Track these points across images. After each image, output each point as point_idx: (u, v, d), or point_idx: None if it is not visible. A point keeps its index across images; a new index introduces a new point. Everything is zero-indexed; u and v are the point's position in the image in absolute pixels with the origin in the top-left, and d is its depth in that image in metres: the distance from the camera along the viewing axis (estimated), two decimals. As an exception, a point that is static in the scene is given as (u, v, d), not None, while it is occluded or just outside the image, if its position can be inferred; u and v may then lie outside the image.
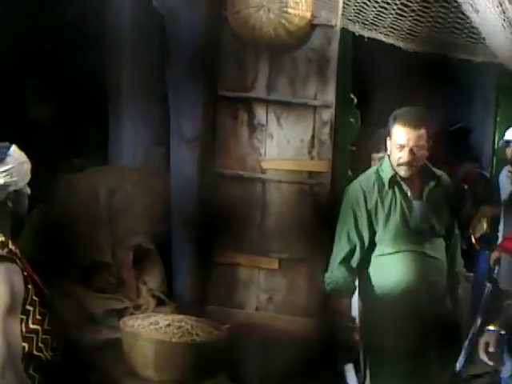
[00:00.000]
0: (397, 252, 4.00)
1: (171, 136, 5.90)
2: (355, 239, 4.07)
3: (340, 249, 4.12)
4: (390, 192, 4.02)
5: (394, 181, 4.02)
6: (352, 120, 5.56)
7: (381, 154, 4.73)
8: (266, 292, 5.64)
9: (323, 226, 5.32)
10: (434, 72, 6.64)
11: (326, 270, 4.25)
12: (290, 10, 5.39)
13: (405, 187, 4.02)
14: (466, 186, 5.87)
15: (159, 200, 5.87)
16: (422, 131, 3.87)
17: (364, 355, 4.11)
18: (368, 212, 4.03)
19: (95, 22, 6.77)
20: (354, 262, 4.09)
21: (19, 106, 7.56)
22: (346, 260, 4.09)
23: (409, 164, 3.91)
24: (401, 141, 3.89)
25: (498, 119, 6.52)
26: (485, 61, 5.18)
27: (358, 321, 4.20)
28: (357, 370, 4.17)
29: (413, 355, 3.93)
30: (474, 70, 7.03)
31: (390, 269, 4.01)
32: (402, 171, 3.96)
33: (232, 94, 5.69)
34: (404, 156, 3.90)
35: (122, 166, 6.38)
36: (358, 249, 4.08)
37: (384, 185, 4.03)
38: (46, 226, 5.72)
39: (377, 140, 5.71)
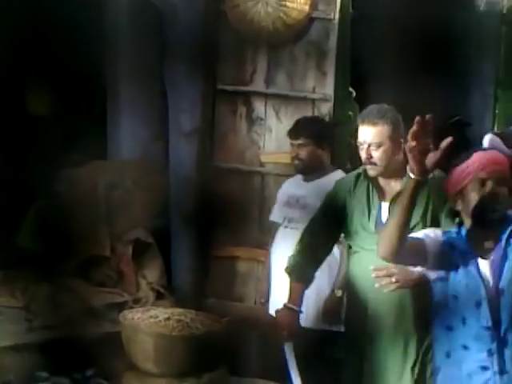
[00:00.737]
0: (358, 251, 3.95)
1: (170, 130, 5.91)
2: (320, 229, 4.06)
3: (304, 234, 4.11)
4: (358, 191, 3.93)
5: (362, 179, 3.92)
6: (351, 113, 5.56)
7: None
8: (265, 285, 5.65)
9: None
10: (432, 65, 6.66)
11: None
12: (288, 4, 5.41)
13: (370, 187, 3.90)
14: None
15: (158, 194, 5.88)
16: (380, 128, 3.75)
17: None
18: (337, 207, 3.98)
19: (94, 16, 6.77)
20: (318, 252, 4.08)
21: (18, 101, 7.56)
22: (308, 247, 4.07)
23: (368, 162, 3.79)
24: (359, 138, 3.82)
25: (497, 112, 6.51)
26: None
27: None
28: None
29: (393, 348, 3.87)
30: (473, 62, 7.07)
31: (354, 266, 3.99)
32: (369, 170, 3.83)
33: (231, 88, 5.70)
34: (362, 154, 3.82)
35: (121, 161, 6.38)
36: (322, 239, 4.07)
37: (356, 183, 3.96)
38: (46, 221, 5.73)
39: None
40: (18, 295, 5.36)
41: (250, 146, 5.68)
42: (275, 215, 5.09)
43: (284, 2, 5.40)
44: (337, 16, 5.48)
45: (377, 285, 3.47)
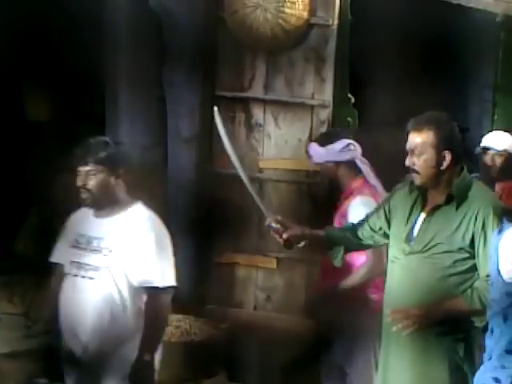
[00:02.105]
0: (393, 260, 3.85)
1: (169, 136, 5.91)
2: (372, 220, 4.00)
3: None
4: (408, 197, 3.83)
5: (412, 188, 3.82)
6: (349, 119, 5.57)
7: None
8: (264, 291, 5.65)
9: (321, 225, 5.33)
10: (431, 71, 6.66)
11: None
12: (287, 10, 5.41)
13: (415, 196, 3.81)
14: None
15: (157, 200, 5.87)
16: (424, 135, 3.64)
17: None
18: (385, 209, 3.93)
19: (92, 21, 6.77)
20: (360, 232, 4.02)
21: (17, 106, 7.57)
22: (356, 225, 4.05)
23: (411, 170, 3.71)
24: (407, 146, 3.73)
25: (496, 118, 6.51)
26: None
27: None
28: None
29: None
30: (472, 68, 7.07)
31: (389, 275, 3.90)
32: (414, 178, 3.75)
33: (229, 94, 5.70)
34: (407, 161, 3.72)
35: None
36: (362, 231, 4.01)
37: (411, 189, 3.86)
38: (45, 226, 5.73)
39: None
40: (16, 301, 5.36)
41: (248, 152, 5.68)
42: (58, 256, 4.12)
43: (283, 9, 5.40)
44: (335, 22, 5.49)
45: (394, 328, 3.48)
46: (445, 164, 3.67)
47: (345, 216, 4.52)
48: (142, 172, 6.10)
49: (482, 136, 5.43)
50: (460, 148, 3.76)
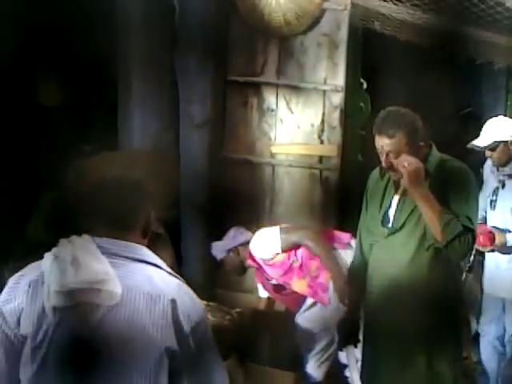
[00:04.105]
0: (372, 243, 3.93)
1: (181, 121, 5.90)
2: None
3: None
4: (381, 183, 3.90)
5: (383, 172, 3.87)
6: (362, 104, 5.55)
7: None
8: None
9: (333, 210, 5.33)
10: (444, 56, 6.61)
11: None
12: (300, -6, 5.37)
13: (386, 180, 3.88)
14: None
15: (169, 185, 5.88)
16: (396, 139, 3.64)
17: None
18: (365, 199, 3.99)
19: (105, 6, 6.76)
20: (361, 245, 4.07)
21: (29, 91, 7.57)
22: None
23: (389, 169, 3.73)
24: (377, 145, 3.73)
25: (509, 103, 6.48)
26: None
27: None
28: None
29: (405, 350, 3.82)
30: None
31: (372, 257, 3.96)
32: (391, 175, 3.79)
33: (242, 79, 5.69)
34: (382, 160, 3.73)
35: (132, 152, 6.38)
36: (360, 233, 4.08)
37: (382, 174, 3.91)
38: (56, 212, 5.73)
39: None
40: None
41: (260, 137, 5.68)
42: None
43: (296, -7, 5.37)
44: (348, 7, 5.47)
45: None
46: (420, 154, 3.70)
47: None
48: (153, 157, 6.13)
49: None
50: (423, 130, 3.76)
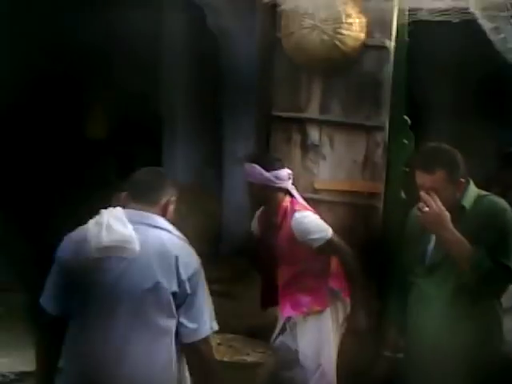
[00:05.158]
0: (413, 283, 3.90)
1: (224, 157, 5.93)
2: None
3: None
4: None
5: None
6: (405, 141, 5.51)
7: None
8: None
9: (376, 248, 5.29)
10: (488, 93, 6.58)
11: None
12: (344, 31, 5.38)
13: None
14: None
15: (211, 220, 5.90)
16: (436, 176, 3.65)
17: None
18: (405, 235, 3.99)
19: (151, 42, 6.86)
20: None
21: (76, 125, 7.67)
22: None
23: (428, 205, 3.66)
24: (417, 180, 3.74)
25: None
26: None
27: None
28: None
29: None
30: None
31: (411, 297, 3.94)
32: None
33: (286, 115, 5.70)
34: (422, 196, 3.68)
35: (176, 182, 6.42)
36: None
37: None
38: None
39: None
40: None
41: (303, 173, 5.67)
42: None
43: (339, 30, 5.37)
44: (392, 44, 5.47)
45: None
46: (459, 190, 3.72)
47: (291, 234, 4.63)
48: (196, 191, 6.17)
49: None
50: (464, 165, 3.75)
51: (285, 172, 4.72)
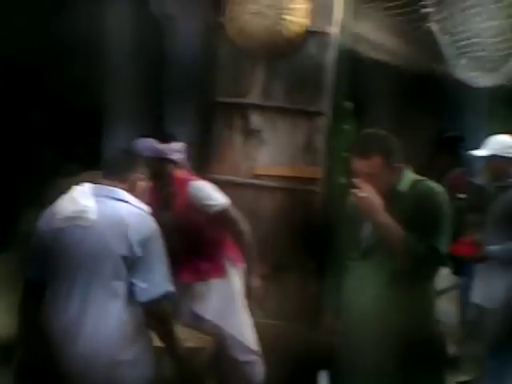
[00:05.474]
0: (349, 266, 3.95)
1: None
2: None
3: None
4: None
5: None
6: (347, 127, 5.55)
7: None
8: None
9: (315, 232, 5.31)
10: (427, 81, 6.64)
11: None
12: (287, 17, 5.40)
13: None
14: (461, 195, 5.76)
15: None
16: (372, 161, 3.68)
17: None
18: (344, 221, 4.04)
19: (92, 29, 6.78)
20: None
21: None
22: None
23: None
24: (352, 166, 3.77)
25: (490, 128, 6.50)
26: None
27: None
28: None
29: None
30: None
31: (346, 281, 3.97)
32: None
33: (228, 100, 5.69)
34: (355, 182, 3.73)
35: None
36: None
37: None
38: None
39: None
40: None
41: (245, 159, 5.67)
42: None
43: (283, 16, 5.39)
44: (335, 30, 5.49)
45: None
46: (395, 175, 3.74)
47: (188, 200, 4.71)
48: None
49: (476, 146, 5.39)
50: (400, 151, 3.77)
51: (178, 145, 4.86)
